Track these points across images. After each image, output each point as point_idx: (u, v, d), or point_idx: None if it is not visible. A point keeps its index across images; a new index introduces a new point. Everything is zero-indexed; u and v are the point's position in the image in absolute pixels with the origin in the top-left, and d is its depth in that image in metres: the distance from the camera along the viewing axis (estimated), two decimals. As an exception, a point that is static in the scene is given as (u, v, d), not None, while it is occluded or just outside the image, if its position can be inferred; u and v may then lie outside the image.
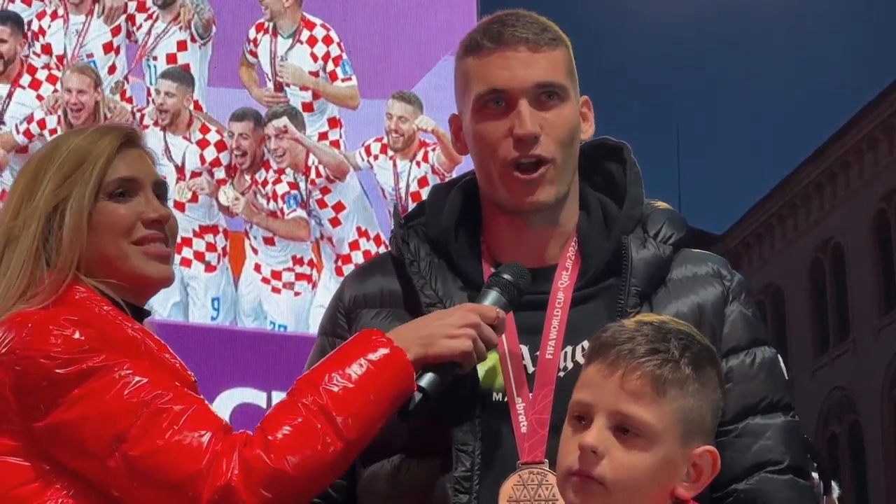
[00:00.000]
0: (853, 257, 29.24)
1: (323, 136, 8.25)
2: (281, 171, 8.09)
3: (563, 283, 2.21)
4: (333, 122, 8.28)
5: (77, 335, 2.04)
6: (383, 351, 2.06)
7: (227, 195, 7.94)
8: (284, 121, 8.11)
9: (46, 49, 7.96)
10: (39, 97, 7.86)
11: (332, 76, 8.28)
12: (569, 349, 2.18)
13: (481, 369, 2.15)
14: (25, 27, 7.92)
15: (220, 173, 7.99)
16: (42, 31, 7.99)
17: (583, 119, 2.27)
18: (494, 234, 2.27)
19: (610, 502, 1.87)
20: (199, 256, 7.78)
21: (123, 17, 8.08)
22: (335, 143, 8.26)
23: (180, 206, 7.79)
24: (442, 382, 2.09)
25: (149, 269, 2.22)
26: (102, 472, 2.02)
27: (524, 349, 2.18)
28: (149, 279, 2.24)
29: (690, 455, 1.92)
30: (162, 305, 7.38)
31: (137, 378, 2.03)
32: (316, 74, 8.27)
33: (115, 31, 8.05)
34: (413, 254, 2.23)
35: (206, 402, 2.12)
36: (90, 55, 7.99)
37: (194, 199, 7.90)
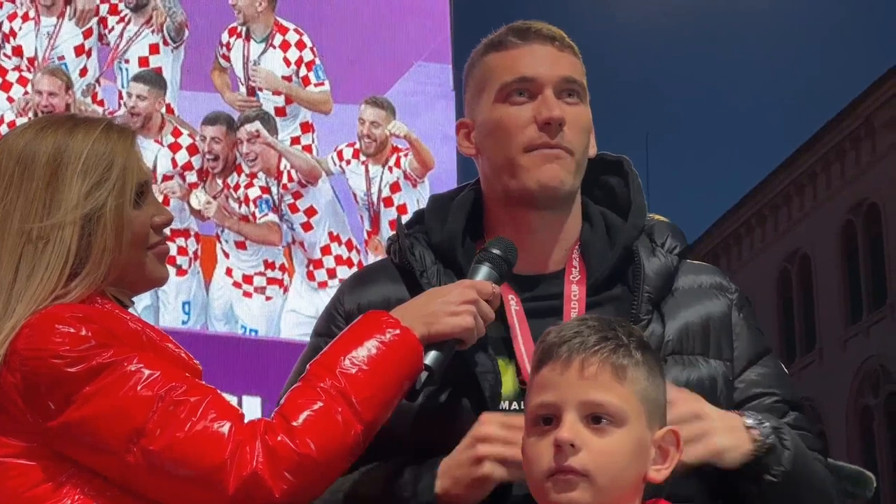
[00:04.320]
0: (820, 268, 29.39)
1: (295, 140, 8.25)
2: (253, 176, 8.08)
3: (575, 290, 2.22)
4: (306, 127, 8.28)
5: (83, 332, 2.01)
6: (393, 332, 2.07)
7: (198, 199, 7.93)
8: (257, 125, 8.10)
9: (17, 51, 7.93)
10: (10, 99, 7.83)
11: (305, 81, 8.28)
12: None
13: (493, 378, 2.15)
14: (-4, 29, 7.89)
15: (191, 177, 7.98)
16: (13, 33, 7.96)
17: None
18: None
19: (593, 492, 1.88)
20: (170, 260, 7.73)
21: (95, 19, 8.05)
22: (307, 148, 8.26)
23: (151, 210, 7.78)
24: (445, 360, 2.10)
25: (162, 272, 2.22)
26: (121, 468, 2.00)
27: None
28: (160, 281, 2.24)
29: (655, 438, 1.95)
30: (132, 309, 7.34)
31: (149, 371, 2.01)
32: (289, 79, 8.26)
33: (87, 34, 8.03)
34: (420, 262, 2.24)
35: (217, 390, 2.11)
36: (61, 57, 7.97)
37: (166, 202, 7.88)
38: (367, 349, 2.05)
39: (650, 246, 2.27)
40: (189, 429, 1.98)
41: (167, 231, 2.24)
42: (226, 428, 1.99)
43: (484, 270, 2.15)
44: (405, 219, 2.38)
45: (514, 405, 2.15)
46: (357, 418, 2.01)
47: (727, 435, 2.08)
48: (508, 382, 2.16)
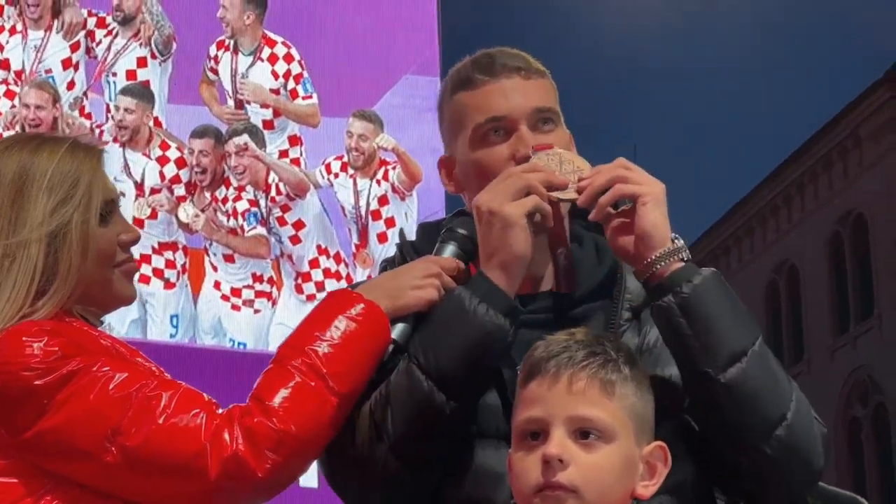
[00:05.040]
0: (808, 279, 29.44)
1: (283, 153, 8.24)
2: (241, 189, 8.07)
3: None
4: (294, 140, 8.27)
5: (51, 344, 2.03)
6: (360, 306, 2.09)
7: (186, 212, 7.92)
8: (245, 138, 8.10)
9: (4, 64, 7.92)
10: (-3, 112, 7.82)
11: (293, 94, 8.28)
12: None
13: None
14: (-17, 43, 7.88)
15: (179, 190, 7.97)
16: (0, 47, 7.94)
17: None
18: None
19: None
20: (158, 273, 7.75)
21: (83, 32, 8.04)
22: (296, 161, 8.25)
23: (139, 223, 7.76)
24: (412, 332, 2.13)
25: (128, 291, 2.23)
26: (101, 471, 2.01)
27: None
28: (128, 299, 2.25)
29: (642, 454, 1.95)
30: (120, 322, 7.35)
31: (117, 374, 2.03)
32: (277, 92, 8.26)
33: (75, 47, 8.02)
34: None
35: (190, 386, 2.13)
36: (49, 71, 7.95)
37: (153, 215, 7.87)
38: (334, 326, 2.08)
39: None
40: (164, 421, 2.00)
41: (137, 249, 2.26)
42: (201, 416, 2.01)
43: (449, 248, 2.19)
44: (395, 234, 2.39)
45: None
46: (331, 391, 2.03)
47: (659, 208, 2.11)
48: None
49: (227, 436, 1.99)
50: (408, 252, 2.30)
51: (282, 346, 2.11)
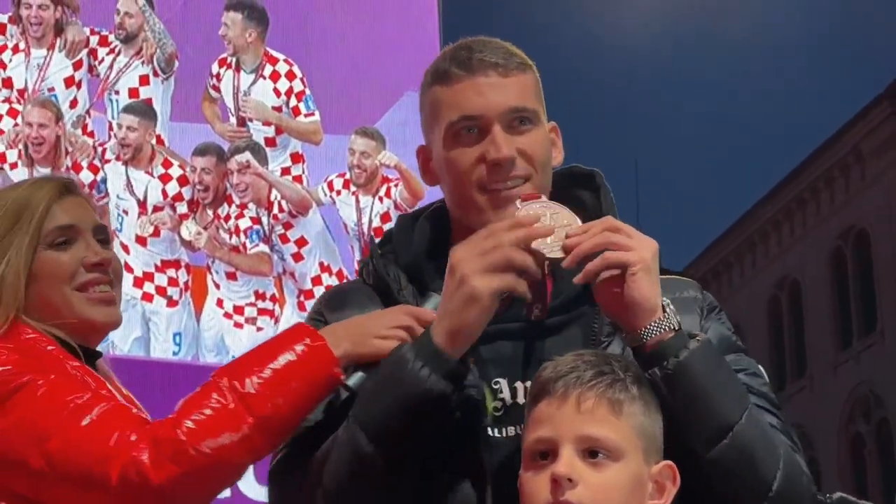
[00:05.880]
0: (810, 294, 29.43)
1: (286, 171, 8.25)
2: (243, 206, 8.08)
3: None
4: (296, 158, 8.28)
5: (5, 361, 2.12)
6: (307, 341, 2.09)
7: (189, 230, 7.92)
8: (247, 156, 8.10)
9: (7, 83, 7.93)
10: (0, 131, 7.82)
11: (295, 111, 8.29)
12: None
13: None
14: (-14, 61, 7.89)
15: (182, 208, 7.97)
16: (3, 65, 7.96)
17: (552, 145, 2.26)
18: None
19: None
20: (160, 291, 7.75)
21: (85, 51, 8.05)
22: (298, 179, 8.26)
23: (142, 241, 7.77)
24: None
25: (93, 314, 2.30)
26: (31, 477, 2.06)
27: (503, 382, 2.15)
28: (94, 324, 2.31)
29: (651, 473, 1.95)
30: (123, 340, 7.34)
31: (60, 384, 2.10)
32: (279, 109, 8.27)
33: (77, 65, 8.03)
34: (396, 282, 2.22)
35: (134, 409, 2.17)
36: (51, 89, 7.96)
37: (156, 233, 7.87)
38: (274, 356, 2.09)
39: None
40: (82, 428, 2.04)
41: (110, 273, 2.33)
42: (116, 425, 2.04)
43: (435, 299, 2.13)
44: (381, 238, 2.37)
45: (490, 431, 2.12)
46: (248, 411, 2.02)
47: (648, 277, 2.03)
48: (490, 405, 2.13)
49: (132, 444, 2.01)
50: (368, 275, 2.26)
51: (219, 369, 2.13)
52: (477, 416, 2.09)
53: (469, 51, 2.20)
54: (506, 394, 2.15)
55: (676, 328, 2.04)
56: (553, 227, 2.06)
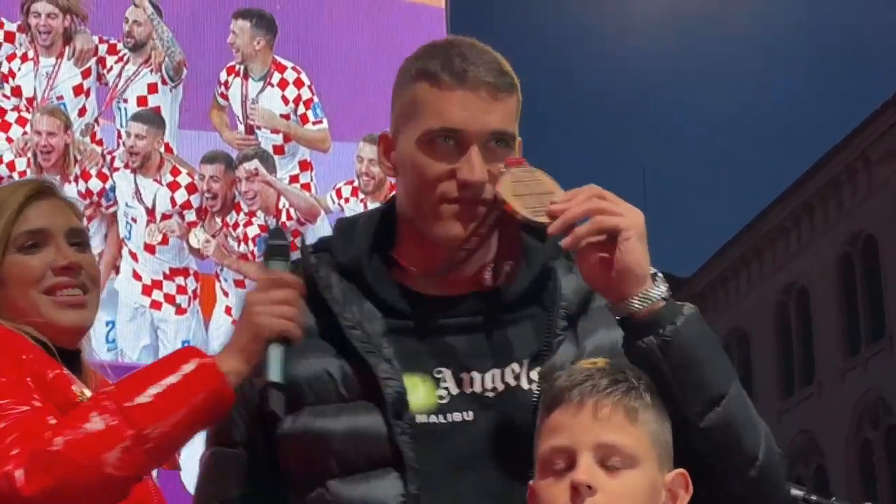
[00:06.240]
0: (818, 301, 29.40)
1: (294, 178, 8.26)
2: (252, 214, 8.09)
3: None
4: (304, 165, 8.29)
5: None
6: (196, 361, 2.07)
7: (197, 238, 7.93)
8: (255, 163, 8.12)
9: (16, 91, 7.94)
10: (9, 139, 7.84)
11: (304, 119, 8.30)
12: (496, 371, 2.17)
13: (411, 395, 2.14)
14: (-5, 69, 7.91)
15: (190, 216, 7.98)
16: (12, 74, 7.98)
17: None
18: (409, 258, 2.23)
19: None
20: (169, 299, 7.76)
21: (94, 59, 8.07)
22: (306, 186, 8.27)
23: (150, 249, 7.78)
24: (286, 394, 2.10)
25: (59, 318, 2.33)
26: None
27: (446, 372, 2.16)
28: (60, 327, 2.33)
29: (665, 481, 1.96)
30: (132, 348, 7.35)
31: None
32: (287, 117, 8.29)
33: (86, 74, 8.05)
34: (325, 280, 2.20)
35: (57, 410, 2.15)
36: (60, 97, 7.98)
37: (165, 241, 7.89)
38: (162, 373, 2.07)
39: (568, 265, 2.23)
40: None
41: (82, 277, 2.36)
42: (11, 430, 2.04)
43: (281, 265, 2.15)
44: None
45: (434, 417, 2.13)
46: (127, 423, 2.00)
47: (641, 243, 2.03)
48: (422, 396, 2.13)
49: (9, 453, 2.00)
50: (304, 252, 2.26)
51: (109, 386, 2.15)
52: (397, 407, 2.10)
53: (463, 60, 2.17)
54: (450, 383, 2.15)
55: (666, 297, 2.05)
56: (540, 190, 2.07)
